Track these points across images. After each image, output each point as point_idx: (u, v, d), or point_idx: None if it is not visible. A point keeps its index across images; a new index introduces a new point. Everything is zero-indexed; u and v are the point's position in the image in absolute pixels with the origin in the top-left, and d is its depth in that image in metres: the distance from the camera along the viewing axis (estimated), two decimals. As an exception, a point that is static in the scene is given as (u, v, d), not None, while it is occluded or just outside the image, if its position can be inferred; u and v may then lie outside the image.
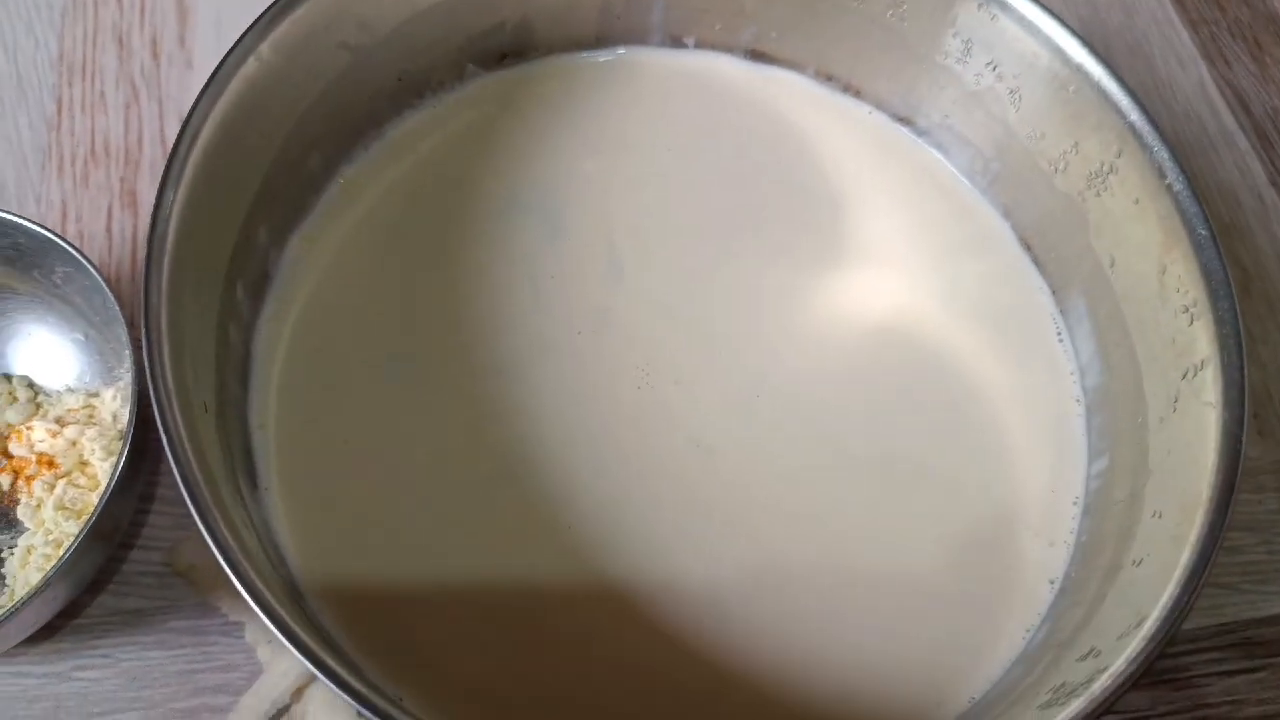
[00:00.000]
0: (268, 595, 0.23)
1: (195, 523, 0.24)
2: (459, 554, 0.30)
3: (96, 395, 0.35)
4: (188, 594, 0.34)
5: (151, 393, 0.23)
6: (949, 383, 0.34)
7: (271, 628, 0.22)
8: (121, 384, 0.34)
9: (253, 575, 0.23)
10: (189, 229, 0.26)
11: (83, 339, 0.35)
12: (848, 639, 0.29)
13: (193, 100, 0.27)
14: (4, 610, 0.30)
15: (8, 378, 0.36)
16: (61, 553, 0.31)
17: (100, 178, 0.41)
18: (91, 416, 0.35)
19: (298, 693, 0.33)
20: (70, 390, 0.35)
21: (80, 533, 0.30)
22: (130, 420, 0.30)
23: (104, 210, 0.40)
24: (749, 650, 0.29)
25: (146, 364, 0.24)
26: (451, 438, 0.32)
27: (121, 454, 0.30)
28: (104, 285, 0.32)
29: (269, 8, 0.29)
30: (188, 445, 0.24)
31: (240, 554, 0.23)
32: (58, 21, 0.45)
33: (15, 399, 0.35)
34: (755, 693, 0.28)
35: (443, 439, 0.32)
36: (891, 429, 0.33)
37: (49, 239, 0.32)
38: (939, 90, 0.36)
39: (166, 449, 0.23)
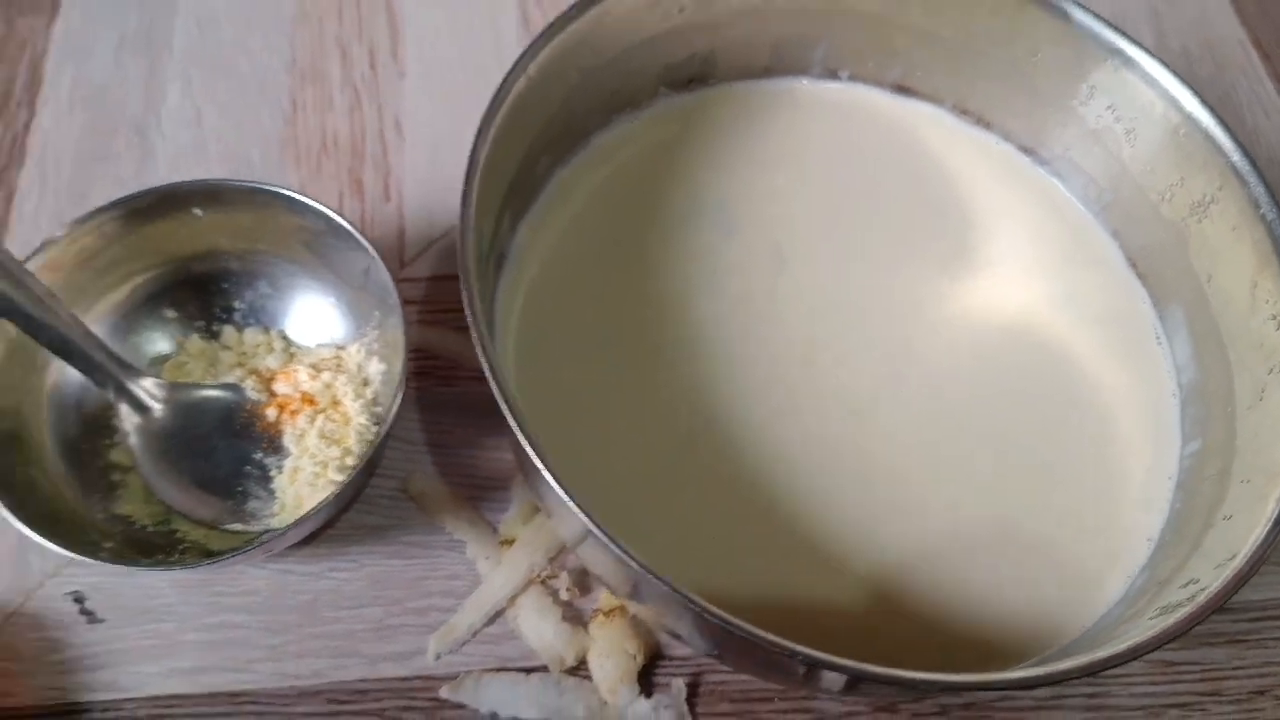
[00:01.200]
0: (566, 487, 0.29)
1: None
2: (658, 499, 0.37)
3: (343, 349, 0.42)
4: (418, 515, 0.41)
5: (472, 325, 0.30)
6: (1063, 376, 0.40)
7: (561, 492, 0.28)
8: (367, 339, 0.41)
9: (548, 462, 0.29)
10: (471, 218, 0.33)
11: (334, 301, 0.42)
12: (984, 579, 0.35)
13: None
14: (288, 522, 0.37)
15: (267, 330, 0.43)
16: (328, 474, 0.39)
17: (330, 168, 0.48)
18: (339, 365, 0.42)
19: (512, 600, 0.39)
20: (320, 345, 0.42)
21: (358, 465, 0.37)
22: (402, 372, 0.37)
23: (335, 196, 0.48)
24: (901, 583, 0.35)
25: (465, 299, 0.30)
26: (650, 400, 0.38)
27: (396, 398, 0.37)
28: (376, 257, 0.38)
29: (540, 34, 0.35)
30: (499, 374, 0.30)
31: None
32: (289, 31, 0.52)
33: (273, 349, 0.42)
34: (911, 619, 0.35)
35: (643, 401, 0.38)
36: (1015, 410, 0.39)
37: (329, 216, 0.39)
38: (1062, 127, 0.42)
39: (492, 383, 0.29)
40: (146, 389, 0.39)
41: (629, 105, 0.43)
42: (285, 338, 0.43)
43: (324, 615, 0.39)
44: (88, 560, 0.34)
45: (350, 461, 0.39)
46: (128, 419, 0.39)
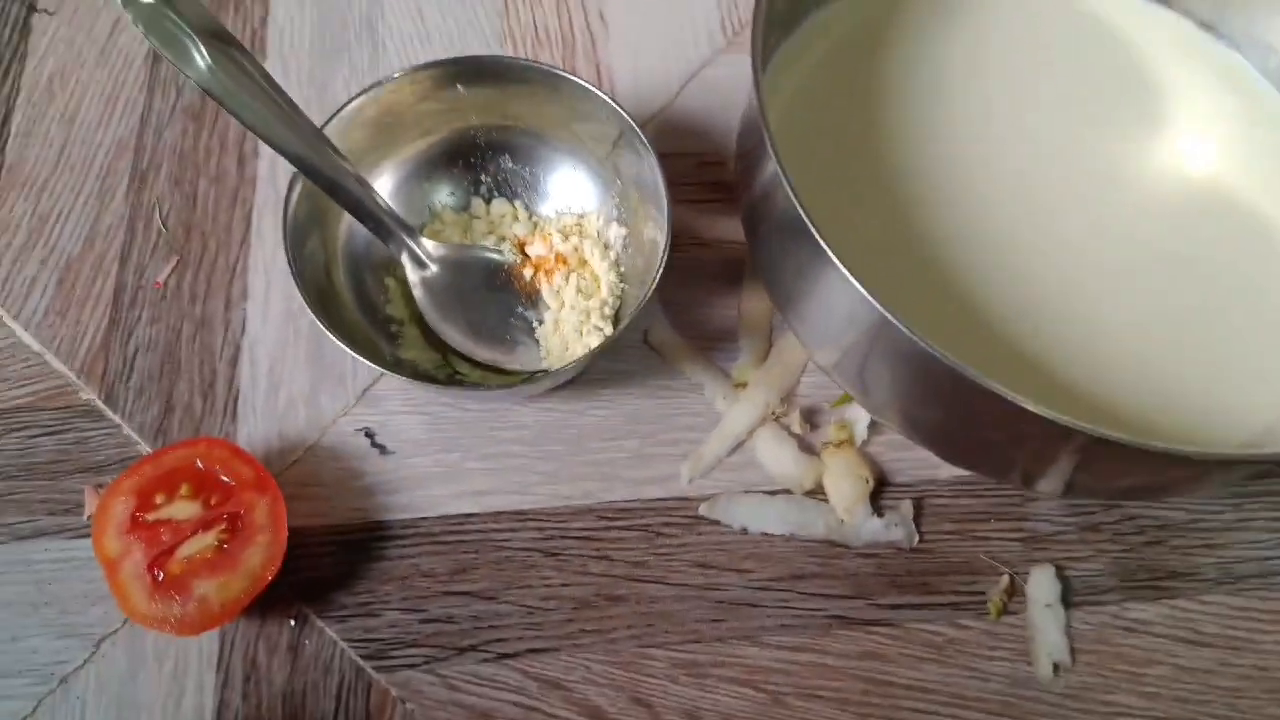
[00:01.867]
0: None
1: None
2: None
3: (584, 216, 0.46)
4: (659, 362, 0.46)
5: (765, 129, 0.34)
6: (1247, 224, 0.44)
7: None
8: (606, 206, 0.46)
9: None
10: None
11: (577, 171, 0.46)
12: (1178, 373, 0.40)
13: None
14: (556, 366, 0.42)
15: (511, 201, 0.47)
16: (590, 322, 0.43)
17: (545, 58, 0.52)
18: (582, 231, 0.46)
19: (750, 434, 0.44)
20: (559, 213, 0.47)
21: (620, 327, 0.40)
22: (667, 236, 0.41)
23: (552, 83, 0.52)
24: (1113, 378, 0.40)
25: (758, 103, 0.34)
26: (885, 226, 0.42)
27: (659, 267, 0.40)
28: (633, 125, 0.42)
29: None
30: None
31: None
32: (492, -65, 0.56)
33: (518, 218, 0.47)
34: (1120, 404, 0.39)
35: (879, 227, 0.42)
36: (1206, 250, 0.43)
37: (587, 88, 0.43)
38: (1244, 4, 0.45)
39: (789, 185, 0.34)
40: (424, 249, 0.43)
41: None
42: (528, 208, 0.47)
43: (588, 446, 0.44)
44: (380, 394, 0.39)
45: (608, 312, 0.43)
46: (411, 272, 0.43)
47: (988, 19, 0.47)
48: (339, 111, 0.42)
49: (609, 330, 0.43)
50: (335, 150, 0.39)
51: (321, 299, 0.41)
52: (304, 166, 0.39)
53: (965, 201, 0.43)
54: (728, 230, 0.49)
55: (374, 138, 0.44)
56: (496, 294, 0.45)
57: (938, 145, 0.44)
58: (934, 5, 0.47)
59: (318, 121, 0.40)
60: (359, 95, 0.42)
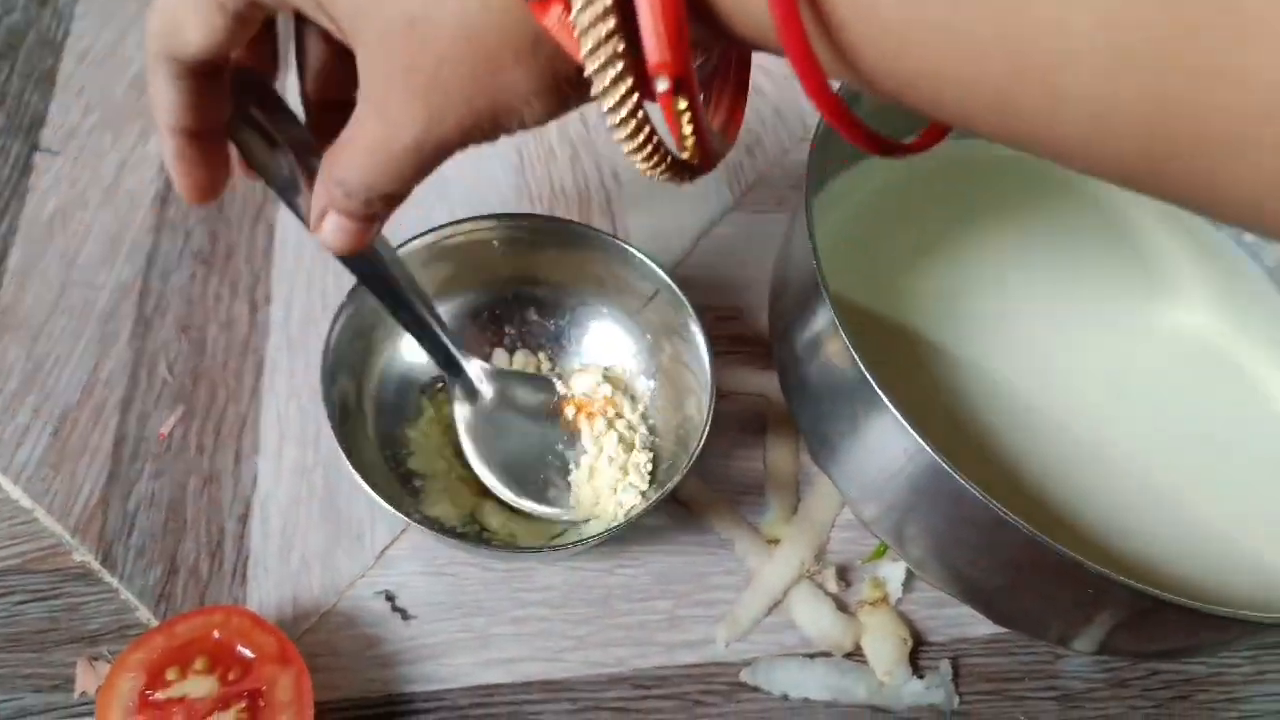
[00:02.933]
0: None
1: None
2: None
3: (610, 368, 0.46)
4: (688, 517, 0.45)
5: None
6: (1245, 383, 0.46)
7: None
8: (636, 360, 0.46)
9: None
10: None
11: (606, 324, 0.46)
12: (1209, 533, 0.41)
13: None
14: (582, 515, 0.41)
15: (535, 353, 0.47)
16: (627, 479, 0.42)
17: (561, 212, 0.53)
18: (613, 381, 0.46)
19: (785, 592, 0.43)
20: (583, 366, 0.46)
21: (665, 489, 0.39)
22: (711, 399, 0.41)
23: (568, 236, 0.52)
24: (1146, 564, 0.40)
25: (815, 262, 0.35)
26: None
27: (704, 428, 0.40)
28: (671, 283, 0.43)
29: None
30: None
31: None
32: (505, 92, 0.57)
33: (540, 370, 0.46)
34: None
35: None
36: (1213, 411, 0.45)
37: (625, 249, 0.43)
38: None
39: (840, 324, 0.34)
40: (480, 370, 0.42)
41: (858, 155, 0.49)
42: (552, 360, 0.47)
43: (619, 608, 0.42)
44: (399, 555, 0.37)
45: (646, 470, 0.43)
46: (460, 406, 0.42)
47: (997, 192, 0.50)
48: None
49: (644, 487, 0.42)
50: (404, 265, 0.39)
51: (348, 450, 0.39)
52: (374, 277, 0.37)
53: (991, 362, 0.44)
54: (746, 382, 0.49)
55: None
56: (540, 426, 0.43)
57: (961, 306, 0.46)
58: (947, 172, 0.50)
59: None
60: (395, 249, 0.42)
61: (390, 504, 0.38)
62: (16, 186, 0.50)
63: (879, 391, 0.34)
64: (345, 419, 0.40)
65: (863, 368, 0.34)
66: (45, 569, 0.40)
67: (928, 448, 0.33)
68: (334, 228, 0.30)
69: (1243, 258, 0.51)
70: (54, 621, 0.39)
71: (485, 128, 0.26)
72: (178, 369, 0.46)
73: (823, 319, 0.37)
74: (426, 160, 0.27)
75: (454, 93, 0.25)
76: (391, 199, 0.30)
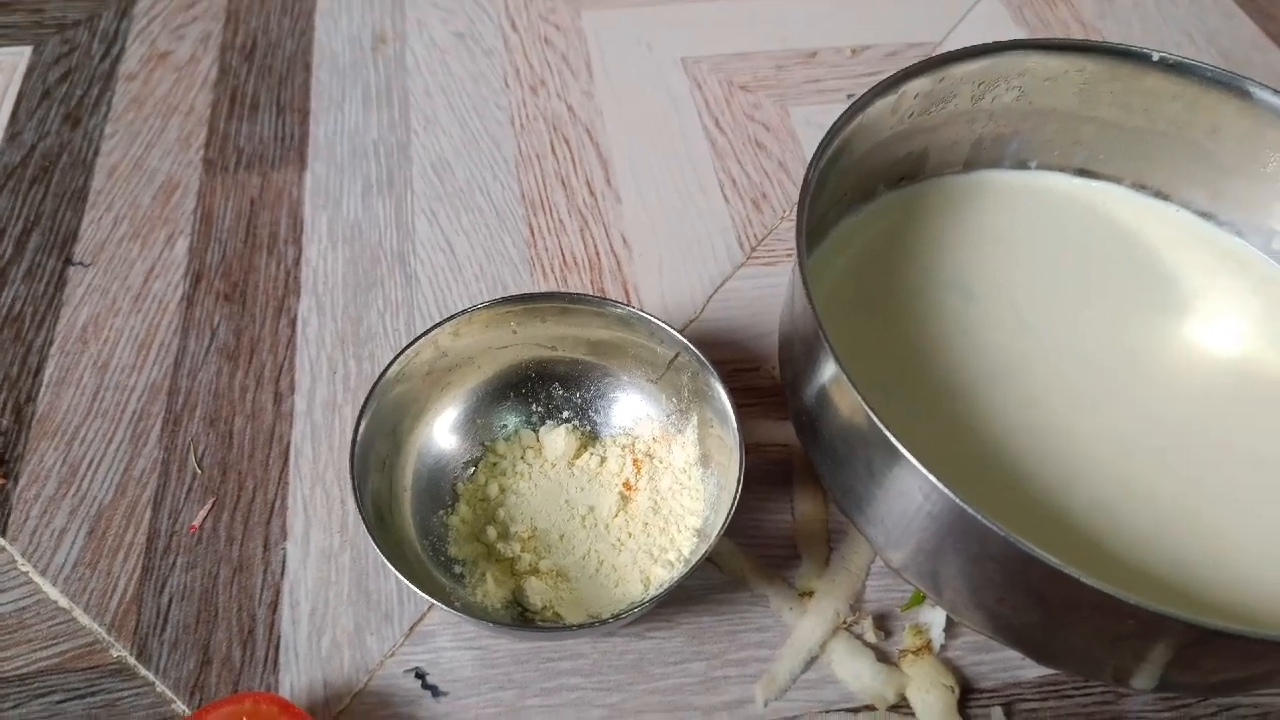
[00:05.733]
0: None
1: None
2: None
3: (636, 436, 0.46)
4: (717, 574, 0.44)
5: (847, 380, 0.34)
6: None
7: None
8: (660, 425, 0.45)
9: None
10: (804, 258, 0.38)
11: (628, 394, 0.46)
12: (1261, 556, 0.39)
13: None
14: (643, 600, 0.40)
15: (558, 426, 0.47)
16: (668, 557, 0.42)
17: (575, 281, 0.54)
18: (637, 450, 0.45)
19: (823, 646, 0.42)
20: (611, 436, 0.46)
21: (704, 552, 0.38)
22: (741, 460, 0.40)
23: (582, 303, 0.53)
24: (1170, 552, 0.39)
25: (813, 312, 0.35)
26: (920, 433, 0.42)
27: (733, 503, 0.39)
28: (693, 348, 0.42)
29: (825, 135, 0.41)
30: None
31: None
32: (514, 170, 0.59)
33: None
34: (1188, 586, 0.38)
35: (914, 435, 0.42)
36: (1240, 429, 0.43)
37: (647, 318, 0.43)
38: (1242, 191, 0.48)
39: (840, 368, 0.34)
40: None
41: (858, 200, 0.49)
42: (575, 428, 0.47)
43: (652, 672, 0.41)
44: (428, 630, 0.37)
45: (683, 545, 0.42)
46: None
47: (1004, 221, 0.50)
48: (394, 361, 0.42)
49: (687, 552, 0.42)
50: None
51: (389, 556, 0.39)
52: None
53: (1011, 397, 0.43)
54: (768, 434, 0.48)
55: (427, 381, 0.44)
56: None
57: (976, 339, 0.45)
58: (949, 210, 0.50)
59: (371, 374, 0.40)
60: (414, 341, 0.42)
61: (434, 596, 0.37)
62: (52, 301, 0.52)
63: (887, 433, 0.33)
64: (380, 519, 0.40)
65: (870, 413, 0.34)
66: (83, 666, 0.41)
67: (940, 485, 0.32)
68: None
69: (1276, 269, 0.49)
70: (93, 719, 0.39)
71: None
72: (206, 462, 0.47)
73: (828, 370, 0.36)
74: None
75: None
76: None
